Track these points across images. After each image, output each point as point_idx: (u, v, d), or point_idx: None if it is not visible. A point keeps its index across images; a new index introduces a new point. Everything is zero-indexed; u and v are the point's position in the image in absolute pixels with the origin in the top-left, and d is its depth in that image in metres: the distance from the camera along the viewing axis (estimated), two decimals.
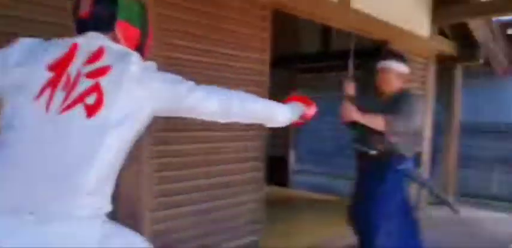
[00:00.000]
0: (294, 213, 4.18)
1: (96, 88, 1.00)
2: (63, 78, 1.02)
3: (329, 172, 6.89)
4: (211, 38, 2.36)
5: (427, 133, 4.43)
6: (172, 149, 2.24)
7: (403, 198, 2.43)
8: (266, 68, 2.73)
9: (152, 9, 1.81)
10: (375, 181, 2.36)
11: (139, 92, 1.04)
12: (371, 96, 2.57)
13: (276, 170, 5.19)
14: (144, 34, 1.19)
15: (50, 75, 1.01)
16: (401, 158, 2.38)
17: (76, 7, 1.13)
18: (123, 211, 1.90)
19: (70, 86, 1.01)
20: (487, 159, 5.85)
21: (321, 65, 5.76)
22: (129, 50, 1.11)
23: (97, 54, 1.05)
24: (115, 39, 1.13)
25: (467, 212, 4.74)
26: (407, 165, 2.42)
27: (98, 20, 1.11)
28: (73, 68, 1.03)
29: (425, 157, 4.44)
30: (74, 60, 1.04)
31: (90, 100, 1.00)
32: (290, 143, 5.96)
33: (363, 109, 2.28)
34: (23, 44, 1.07)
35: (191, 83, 1.15)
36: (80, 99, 1.00)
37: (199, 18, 2.29)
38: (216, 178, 2.48)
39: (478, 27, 4.41)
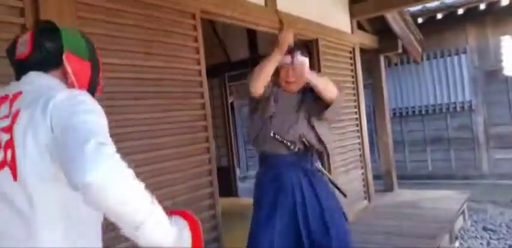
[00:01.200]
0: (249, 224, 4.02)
1: (10, 143, 0.84)
2: None
3: None
4: (144, 52, 2.17)
5: (363, 121, 4.57)
6: None
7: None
8: (204, 79, 2.58)
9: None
10: (306, 187, 1.97)
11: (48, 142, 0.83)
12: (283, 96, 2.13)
13: (223, 180, 5.01)
14: (95, 68, 1.01)
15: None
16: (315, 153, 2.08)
17: (12, 47, 0.96)
18: None
19: None
20: (417, 140, 6.24)
21: (250, 71, 5.70)
22: (57, 86, 0.92)
23: (12, 100, 0.88)
24: (64, 76, 0.95)
25: (408, 194, 4.97)
26: (317, 161, 2.12)
27: (41, 58, 0.92)
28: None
29: (366, 145, 4.58)
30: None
31: (8, 157, 0.84)
32: (233, 151, 5.84)
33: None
34: None
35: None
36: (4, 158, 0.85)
37: (129, 33, 2.09)
38: (165, 201, 2.25)
39: (393, 19, 4.67)
